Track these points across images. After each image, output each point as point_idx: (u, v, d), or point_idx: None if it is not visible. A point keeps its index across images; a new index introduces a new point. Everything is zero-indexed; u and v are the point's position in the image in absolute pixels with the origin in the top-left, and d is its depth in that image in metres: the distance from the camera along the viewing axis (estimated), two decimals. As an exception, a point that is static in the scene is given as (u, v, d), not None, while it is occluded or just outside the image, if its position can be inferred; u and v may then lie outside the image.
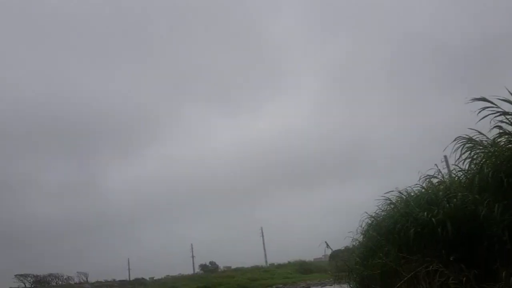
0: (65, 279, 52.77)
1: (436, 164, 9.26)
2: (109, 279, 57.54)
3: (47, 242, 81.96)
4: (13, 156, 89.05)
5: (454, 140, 7.45)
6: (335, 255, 13.44)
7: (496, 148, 6.87)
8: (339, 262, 12.17)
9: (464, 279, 6.59)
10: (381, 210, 10.69)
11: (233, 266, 64.59)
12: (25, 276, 48.92)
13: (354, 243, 12.19)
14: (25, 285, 47.81)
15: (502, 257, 6.39)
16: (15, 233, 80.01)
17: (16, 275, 48.22)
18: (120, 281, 58.04)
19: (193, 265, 70.84)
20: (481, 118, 6.84)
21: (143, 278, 60.97)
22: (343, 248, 13.65)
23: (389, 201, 10.34)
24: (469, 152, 7.45)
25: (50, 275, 51.35)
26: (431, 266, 7.34)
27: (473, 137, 7.36)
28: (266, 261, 65.37)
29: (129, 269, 67.07)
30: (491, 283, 6.28)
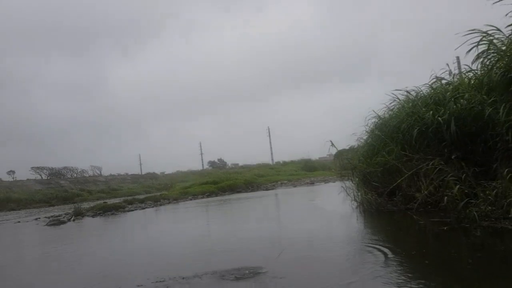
0: (80, 172, 55.04)
1: (447, 64, 9.06)
2: (122, 173, 60.20)
3: (60, 138, 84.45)
4: (19, 53, 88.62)
5: (469, 32, 7.11)
6: (340, 154, 13.68)
7: (510, 48, 6.68)
8: (343, 161, 12.45)
9: (464, 175, 6.78)
10: (388, 109, 10.74)
11: (241, 164, 66.90)
12: (41, 168, 51.07)
13: (359, 143, 12.44)
14: (42, 177, 50.07)
15: (502, 156, 6.52)
16: (28, 129, 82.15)
17: (32, 167, 50.41)
18: (132, 175, 60.71)
19: (202, 162, 73.47)
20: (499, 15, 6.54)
21: (154, 173, 63.68)
22: (348, 147, 13.95)
23: (397, 100, 10.34)
24: (481, 52, 7.24)
25: (64, 168, 53.47)
26: (432, 164, 7.53)
27: (489, 32, 7.06)
28: (272, 159, 67.51)
29: (140, 164, 69.92)
30: (489, 180, 6.46)
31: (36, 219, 18.45)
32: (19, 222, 18.26)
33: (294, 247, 6.21)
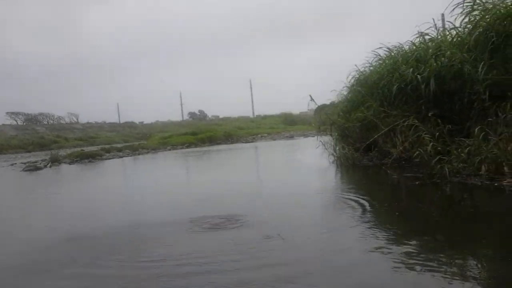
0: (56, 118, 54.15)
1: (433, 18, 8.95)
2: (99, 121, 59.38)
3: (37, 84, 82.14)
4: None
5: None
6: (320, 109, 13.74)
7: (495, 5, 6.67)
8: (323, 116, 12.51)
9: (438, 133, 6.92)
10: (369, 65, 10.71)
11: (221, 116, 66.69)
12: (16, 114, 50.03)
13: (339, 98, 12.46)
14: (17, 123, 49.12)
15: (478, 115, 6.64)
16: (2, 72, 79.48)
17: (7, 112, 49.33)
18: (110, 123, 59.97)
19: (182, 113, 72.88)
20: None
21: (132, 122, 63.02)
22: (328, 102, 14.00)
23: (378, 57, 10.31)
24: (466, 8, 7.20)
25: (40, 114, 52.51)
26: (409, 121, 7.64)
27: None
28: (253, 112, 67.46)
29: (118, 113, 68.98)
30: (463, 138, 6.61)
31: (12, 164, 18.25)
32: (-6, 167, 18.04)
33: (274, 197, 6.33)
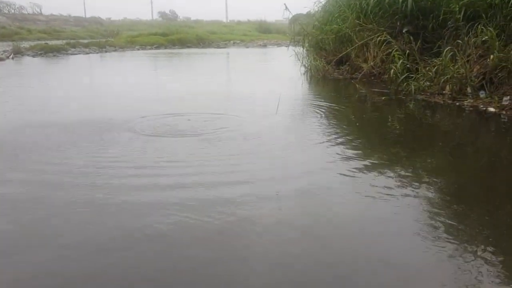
0: (18, 8, 50.80)
1: None
2: (64, 14, 56.12)
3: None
4: None
5: None
6: (295, 18, 13.39)
7: None
8: (298, 26, 12.25)
9: (408, 51, 7.00)
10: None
11: (193, 18, 64.07)
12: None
13: (316, 8, 12.13)
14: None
15: (450, 35, 6.69)
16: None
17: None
18: (75, 17, 56.81)
19: (152, 11, 69.67)
20: None
21: (99, 17, 59.92)
22: (305, 13, 13.62)
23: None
24: None
25: (0, 2, 49.00)
26: (382, 36, 7.64)
27: None
28: (226, 17, 65.10)
29: (84, 6, 65.25)
30: (433, 57, 6.71)
31: (-30, 53, 17.35)
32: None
33: (244, 100, 6.48)
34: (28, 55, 16.24)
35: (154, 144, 3.86)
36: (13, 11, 49.90)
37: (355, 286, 1.77)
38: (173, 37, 25.98)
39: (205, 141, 3.90)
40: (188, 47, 24.60)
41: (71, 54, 17.52)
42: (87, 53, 18.14)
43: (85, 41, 23.51)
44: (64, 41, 21.63)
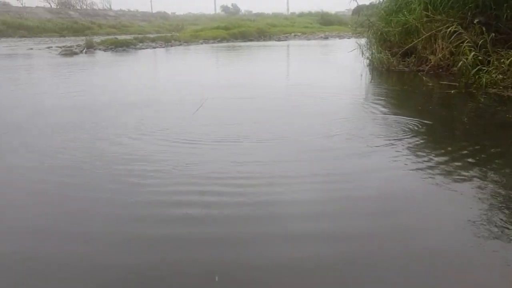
0: (89, 4, 53.60)
1: None
2: (132, 9, 58.55)
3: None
4: None
5: None
6: (359, 9, 13.16)
7: None
8: (362, 17, 12.04)
9: (480, 42, 6.72)
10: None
11: (254, 12, 64.52)
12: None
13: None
14: (51, 5, 48.85)
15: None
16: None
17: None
18: (142, 12, 59.09)
19: (215, 5, 70.85)
20: None
21: (165, 12, 61.93)
22: (368, 3, 13.35)
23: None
24: None
25: (75, -3, 51.92)
26: (452, 27, 7.38)
27: None
28: (288, 9, 64.98)
29: (151, 1, 67.55)
30: (507, 49, 6.42)
31: (48, 47, 18.61)
32: (31, 49, 18.45)
33: (302, 87, 6.73)
34: (99, 49, 17.16)
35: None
36: (85, 6, 52.63)
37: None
38: (235, 30, 26.37)
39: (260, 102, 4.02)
40: (250, 40, 24.89)
41: (139, 48, 18.30)
42: (154, 48, 18.86)
43: (152, 35, 24.41)
44: (132, 36, 22.61)
